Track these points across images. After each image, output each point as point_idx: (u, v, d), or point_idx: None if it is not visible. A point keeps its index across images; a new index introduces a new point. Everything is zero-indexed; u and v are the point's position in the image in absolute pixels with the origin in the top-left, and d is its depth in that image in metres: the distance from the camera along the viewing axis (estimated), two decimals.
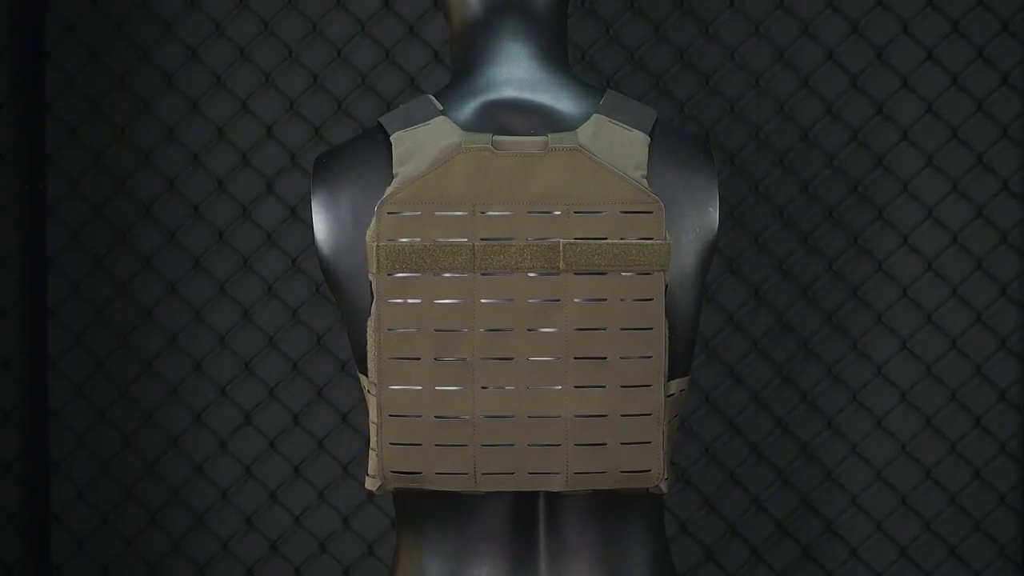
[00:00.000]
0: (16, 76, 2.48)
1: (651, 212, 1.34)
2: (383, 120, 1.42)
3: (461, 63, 1.49)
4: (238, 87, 2.48)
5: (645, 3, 2.44)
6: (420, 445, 1.35)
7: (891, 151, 2.44)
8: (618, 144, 1.37)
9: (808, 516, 2.48)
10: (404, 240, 1.34)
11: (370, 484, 1.38)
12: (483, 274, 1.34)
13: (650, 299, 1.35)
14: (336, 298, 1.41)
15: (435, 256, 1.34)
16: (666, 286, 1.35)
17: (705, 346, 2.45)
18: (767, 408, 2.46)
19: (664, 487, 1.37)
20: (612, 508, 1.41)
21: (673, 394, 1.38)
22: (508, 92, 1.44)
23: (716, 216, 1.39)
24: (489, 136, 1.36)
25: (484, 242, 1.34)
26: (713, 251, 1.40)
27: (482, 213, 1.35)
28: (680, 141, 1.42)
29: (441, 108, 1.40)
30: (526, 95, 1.43)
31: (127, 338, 2.50)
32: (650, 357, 1.35)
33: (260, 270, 2.49)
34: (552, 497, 1.40)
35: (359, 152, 1.41)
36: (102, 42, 2.48)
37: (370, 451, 1.38)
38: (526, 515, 1.41)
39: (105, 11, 2.48)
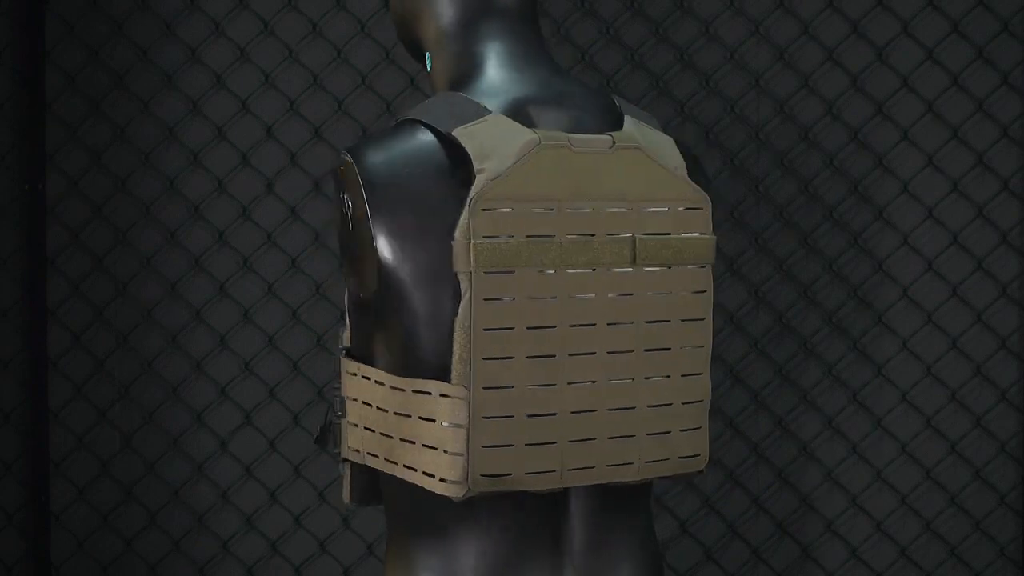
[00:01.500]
0: (16, 76, 2.48)
1: (702, 208, 1.40)
2: (423, 117, 1.39)
3: (458, 68, 1.48)
4: (238, 87, 2.48)
5: (645, 3, 2.44)
6: (512, 446, 1.33)
7: (891, 151, 2.44)
8: (657, 144, 1.40)
9: (808, 516, 2.48)
10: (500, 238, 1.32)
11: (452, 491, 1.33)
12: (569, 270, 1.35)
13: (704, 291, 1.41)
14: (388, 303, 1.36)
15: (531, 253, 1.34)
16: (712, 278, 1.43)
17: None
18: (767, 408, 2.46)
19: (705, 469, 1.44)
20: (630, 499, 1.44)
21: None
22: (528, 91, 1.43)
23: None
24: (564, 134, 1.37)
25: (570, 238, 1.35)
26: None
27: (567, 210, 1.35)
28: (682, 145, 1.46)
29: (488, 107, 1.38)
30: (546, 93, 1.43)
31: (127, 338, 2.50)
32: (702, 346, 1.41)
33: (260, 270, 2.49)
34: (583, 492, 1.41)
35: (410, 148, 1.38)
36: (102, 42, 2.49)
37: (439, 454, 1.34)
38: (558, 512, 1.41)
39: (105, 11, 2.48)
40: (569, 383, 1.35)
